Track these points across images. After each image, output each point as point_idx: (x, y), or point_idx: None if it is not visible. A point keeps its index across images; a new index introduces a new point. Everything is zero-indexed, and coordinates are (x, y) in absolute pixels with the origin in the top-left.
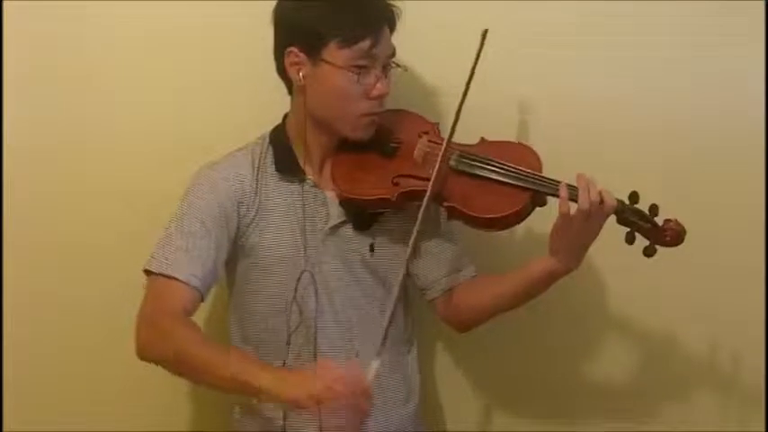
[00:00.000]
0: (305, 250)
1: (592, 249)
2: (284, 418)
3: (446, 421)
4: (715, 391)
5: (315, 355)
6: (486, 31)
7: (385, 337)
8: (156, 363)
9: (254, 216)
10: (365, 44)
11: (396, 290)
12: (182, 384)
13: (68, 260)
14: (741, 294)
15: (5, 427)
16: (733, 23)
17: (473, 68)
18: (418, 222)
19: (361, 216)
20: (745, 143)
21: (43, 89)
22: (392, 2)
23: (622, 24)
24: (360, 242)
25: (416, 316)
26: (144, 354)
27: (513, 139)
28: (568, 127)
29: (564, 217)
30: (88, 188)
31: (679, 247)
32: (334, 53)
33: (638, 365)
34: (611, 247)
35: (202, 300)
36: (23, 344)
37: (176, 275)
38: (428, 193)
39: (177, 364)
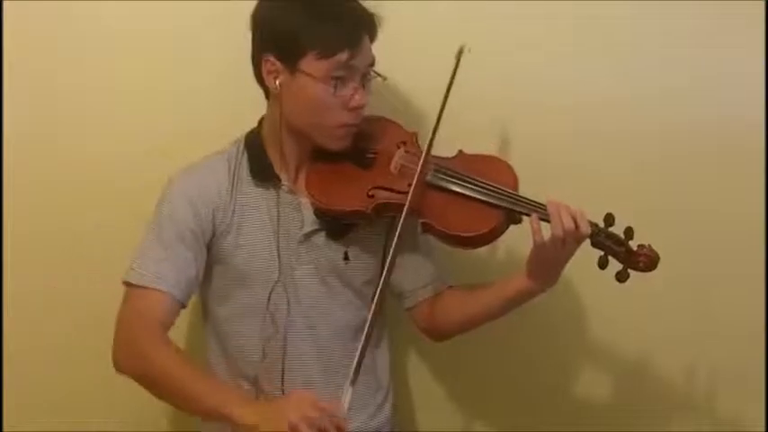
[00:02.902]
0: (279, 257)
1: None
2: None
3: (419, 423)
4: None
5: (283, 365)
6: (462, 48)
7: (358, 365)
8: (133, 379)
9: (230, 222)
10: (343, 56)
11: (370, 316)
12: None
13: (69, 260)
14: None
15: (5, 427)
16: (733, 23)
17: (449, 86)
18: (395, 242)
19: (336, 225)
20: (744, 143)
21: (43, 89)
22: (373, 10)
23: (621, 24)
24: (334, 250)
25: (388, 318)
26: (121, 370)
27: (494, 149)
28: (565, 129)
29: (538, 246)
30: (88, 188)
31: (676, 249)
32: (312, 64)
33: (614, 376)
34: (589, 257)
35: (183, 307)
36: (23, 344)
37: (158, 287)
38: (404, 210)
39: (155, 387)
